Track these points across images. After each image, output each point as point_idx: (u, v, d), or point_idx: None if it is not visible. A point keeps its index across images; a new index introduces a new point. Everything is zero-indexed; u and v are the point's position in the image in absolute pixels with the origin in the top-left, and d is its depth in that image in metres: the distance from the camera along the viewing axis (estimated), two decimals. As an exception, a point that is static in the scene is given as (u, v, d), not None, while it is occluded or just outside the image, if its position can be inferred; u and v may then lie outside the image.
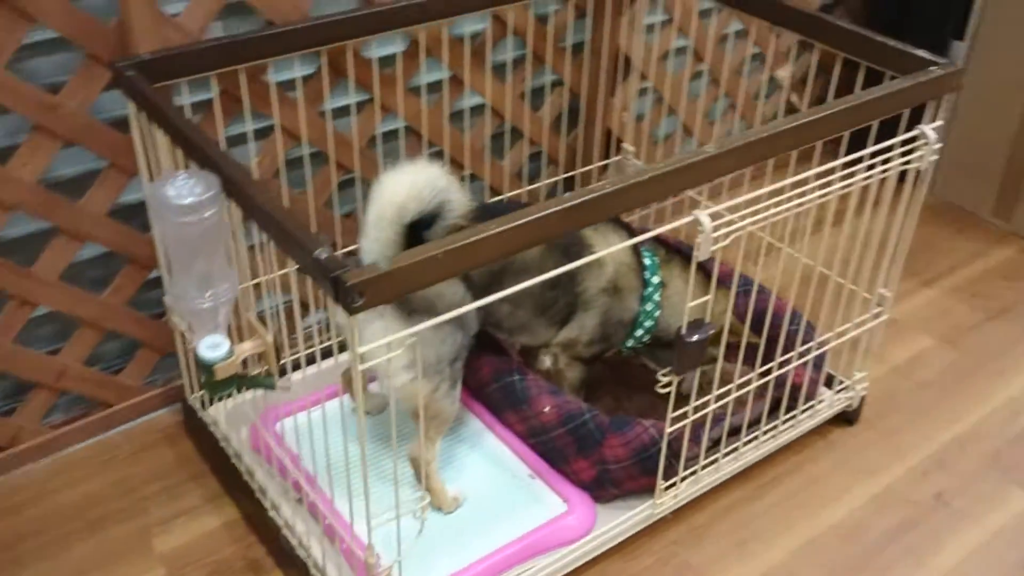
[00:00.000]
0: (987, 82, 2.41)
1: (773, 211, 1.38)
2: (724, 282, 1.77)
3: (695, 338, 1.40)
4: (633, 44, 2.12)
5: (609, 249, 1.36)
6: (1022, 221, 2.45)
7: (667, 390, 1.44)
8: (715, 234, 1.31)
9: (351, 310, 1.03)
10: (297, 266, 1.12)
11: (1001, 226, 2.49)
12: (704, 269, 1.49)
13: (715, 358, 1.53)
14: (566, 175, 2.18)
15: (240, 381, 1.33)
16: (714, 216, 1.31)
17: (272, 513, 1.55)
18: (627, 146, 2.18)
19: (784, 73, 2.55)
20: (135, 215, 1.70)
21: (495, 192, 2.09)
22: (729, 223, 1.33)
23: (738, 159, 1.31)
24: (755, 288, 1.72)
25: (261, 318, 1.31)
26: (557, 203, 1.15)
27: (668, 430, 1.50)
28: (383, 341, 1.12)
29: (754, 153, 1.33)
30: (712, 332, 1.41)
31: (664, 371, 1.44)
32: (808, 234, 1.54)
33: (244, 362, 1.37)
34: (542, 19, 1.98)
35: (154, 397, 1.85)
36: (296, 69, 1.67)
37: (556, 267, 1.59)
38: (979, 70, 2.41)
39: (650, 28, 2.17)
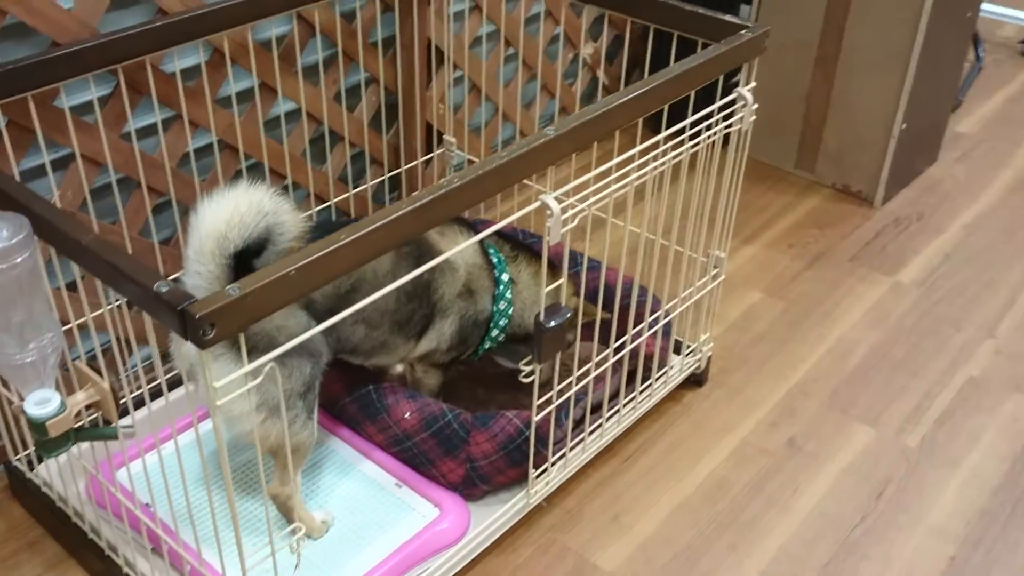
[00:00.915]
0: (777, 41, 2.51)
1: (615, 187, 1.38)
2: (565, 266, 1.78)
3: (553, 323, 1.39)
4: (443, 34, 2.08)
5: (459, 247, 1.32)
6: (824, 171, 2.59)
7: (530, 379, 1.43)
8: (563, 216, 1.30)
9: (202, 344, 0.95)
10: (121, 302, 1.03)
11: (805, 177, 2.62)
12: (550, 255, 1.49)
13: (571, 342, 1.53)
14: (391, 173, 2.13)
15: (78, 435, 1.21)
16: (558, 199, 1.30)
17: (127, 570, 1.44)
18: (448, 137, 2.15)
19: (588, 50, 2.59)
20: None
21: (320, 199, 2.01)
22: (573, 204, 1.33)
23: (578, 139, 1.30)
24: (584, 264, 1.73)
25: (92, 364, 1.19)
26: (407, 203, 1.11)
27: (535, 418, 1.48)
28: (237, 373, 1.04)
29: (593, 131, 1.32)
30: (569, 315, 1.41)
31: (525, 360, 1.43)
32: (648, 205, 1.56)
33: (77, 414, 1.25)
34: (348, 17, 1.92)
35: (-30, 465, 1.68)
36: (91, 91, 1.54)
37: (409, 279, 1.55)
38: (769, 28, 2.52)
39: (458, 16, 2.14)
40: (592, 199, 1.35)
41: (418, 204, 1.12)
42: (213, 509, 1.20)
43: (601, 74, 2.61)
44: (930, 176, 2.66)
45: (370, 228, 1.07)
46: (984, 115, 2.98)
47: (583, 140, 1.32)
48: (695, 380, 1.92)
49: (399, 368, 1.75)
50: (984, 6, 3.44)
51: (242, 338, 1.02)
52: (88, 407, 1.23)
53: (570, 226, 1.32)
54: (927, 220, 2.47)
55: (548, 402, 1.50)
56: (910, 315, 2.14)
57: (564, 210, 1.30)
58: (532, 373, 1.43)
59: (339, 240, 1.05)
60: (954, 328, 2.10)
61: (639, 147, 1.41)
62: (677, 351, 1.86)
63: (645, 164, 1.42)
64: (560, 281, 1.40)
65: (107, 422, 1.25)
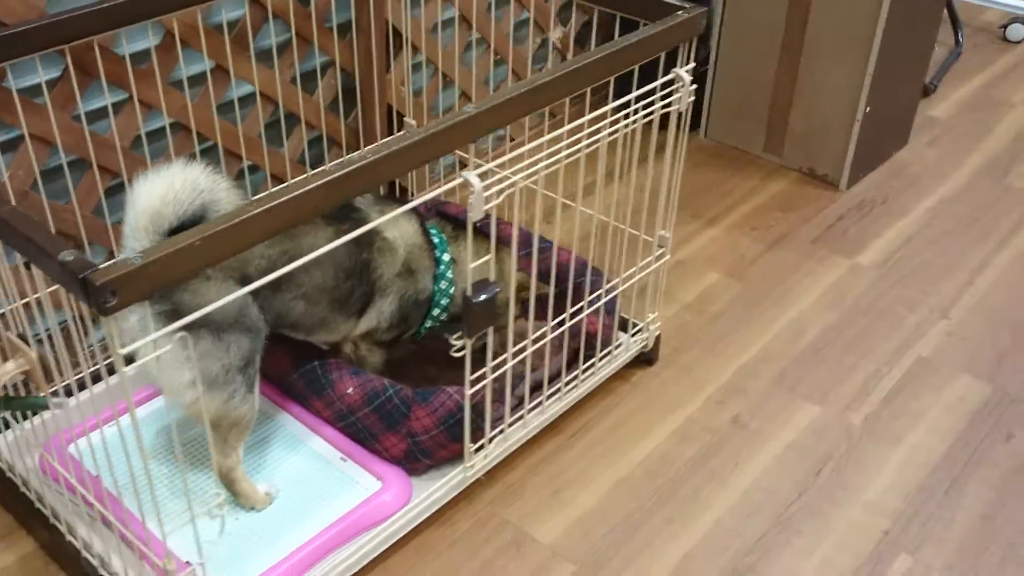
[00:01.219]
0: (744, 25, 2.54)
1: (543, 164, 1.40)
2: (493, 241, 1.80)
3: (482, 298, 1.41)
4: (402, 18, 2.11)
5: (385, 217, 1.35)
6: (791, 154, 2.60)
7: (461, 354, 1.46)
8: (486, 193, 1.32)
9: (105, 311, 0.98)
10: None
11: (773, 161, 2.63)
12: (484, 232, 1.52)
13: (516, 317, 1.56)
14: (351, 155, 2.15)
15: (7, 403, 1.25)
16: (488, 175, 1.33)
17: (70, 537, 1.47)
18: (409, 120, 2.18)
19: (557, 34, 2.61)
20: None
21: (278, 180, 2.04)
22: (501, 180, 1.35)
23: (500, 116, 1.33)
24: (514, 240, 1.75)
25: (23, 336, 1.23)
26: (321, 176, 1.14)
27: (468, 392, 1.51)
28: (147, 339, 1.08)
29: (515, 109, 1.35)
30: (498, 291, 1.43)
31: (456, 335, 1.45)
32: (580, 185, 1.58)
33: (15, 386, 1.29)
34: (303, 0, 1.94)
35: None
36: (39, 72, 1.58)
37: (348, 257, 1.58)
38: (736, 13, 2.54)
39: (417, 1, 2.17)
40: (518, 175, 1.37)
41: (331, 177, 1.14)
42: (134, 478, 1.23)
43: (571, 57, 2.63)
44: (899, 160, 2.66)
45: (279, 200, 1.10)
46: (959, 100, 2.98)
47: (507, 116, 1.34)
48: (646, 359, 1.94)
49: (347, 349, 1.79)
50: (965, -9, 3.44)
51: (147, 306, 1.05)
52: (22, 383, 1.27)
53: (495, 202, 1.35)
54: (891, 203, 2.48)
55: (482, 377, 1.53)
56: (866, 296, 2.15)
57: (487, 186, 1.32)
58: (463, 348, 1.45)
59: (247, 211, 1.08)
60: (908, 309, 2.11)
61: (568, 126, 1.43)
62: (625, 329, 1.88)
63: (577, 142, 1.44)
64: (488, 257, 1.42)
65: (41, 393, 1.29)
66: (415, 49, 2.20)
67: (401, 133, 2.20)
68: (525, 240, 1.90)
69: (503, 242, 1.60)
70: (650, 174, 1.68)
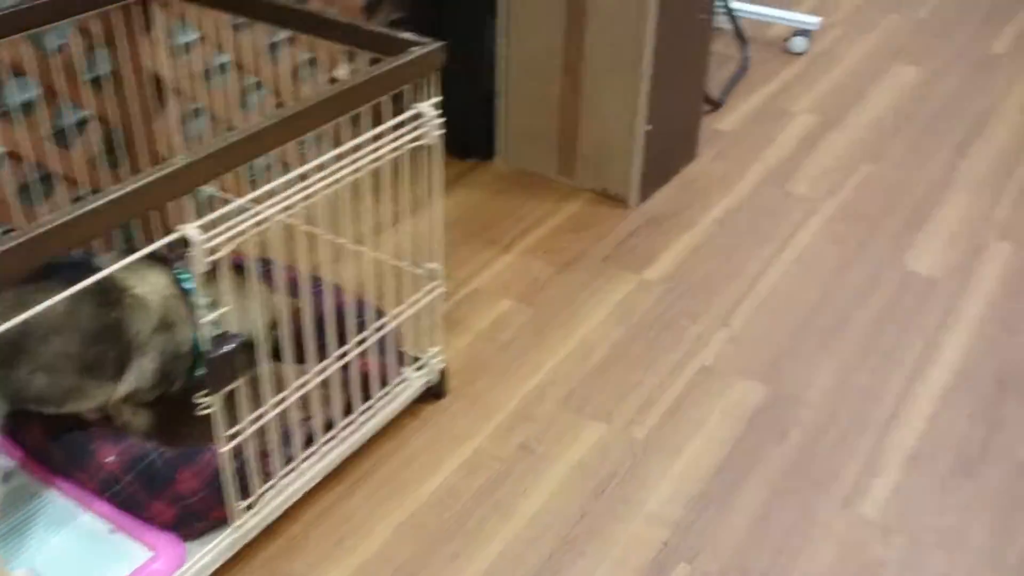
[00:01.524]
0: (526, 49, 2.58)
1: (273, 210, 1.38)
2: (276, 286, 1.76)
3: (222, 351, 1.37)
4: (164, 66, 2.05)
5: (105, 271, 1.29)
6: (584, 176, 2.65)
7: (208, 411, 1.41)
8: (208, 244, 1.29)
9: None
10: None
11: (567, 183, 2.67)
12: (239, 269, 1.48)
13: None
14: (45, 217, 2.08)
15: None
16: (219, 222, 1.29)
17: None
18: (180, 170, 2.11)
19: (343, 72, 2.59)
20: None
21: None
22: (230, 227, 1.32)
23: (215, 165, 1.29)
24: (281, 283, 1.72)
25: None
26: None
27: (222, 451, 1.46)
28: None
29: (234, 156, 1.32)
30: (241, 341, 1.39)
31: (200, 394, 1.41)
32: (320, 219, 1.56)
33: None
34: (47, 55, 1.87)
35: None
36: None
37: (93, 319, 1.51)
38: (518, 38, 2.58)
39: (186, 48, 2.11)
40: (247, 223, 1.34)
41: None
42: None
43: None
44: (687, 174, 2.75)
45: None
46: (745, 113, 3.10)
47: (226, 164, 1.31)
48: (434, 393, 1.93)
49: (112, 414, 1.71)
50: (751, 8, 3.59)
51: None
52: None
53: (221, 254, 1.31)
54: (680, 217, 2.55)
55: (238, 433, 1.48)
56: (652, 311, 2.20)
57: (211, 237, 1.29)
58: (210, 406, 1.41)
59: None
60: (692, 320, 2.17)
61: (292, 173, 1.41)
62: (408, 366, 1.87)
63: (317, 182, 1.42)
64: (224, 309, 1.38)
65: None
66: (188, 96, 2.15)
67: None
68: (289, 282, 1.86)
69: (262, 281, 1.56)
70: (405, 208, 1.67)
